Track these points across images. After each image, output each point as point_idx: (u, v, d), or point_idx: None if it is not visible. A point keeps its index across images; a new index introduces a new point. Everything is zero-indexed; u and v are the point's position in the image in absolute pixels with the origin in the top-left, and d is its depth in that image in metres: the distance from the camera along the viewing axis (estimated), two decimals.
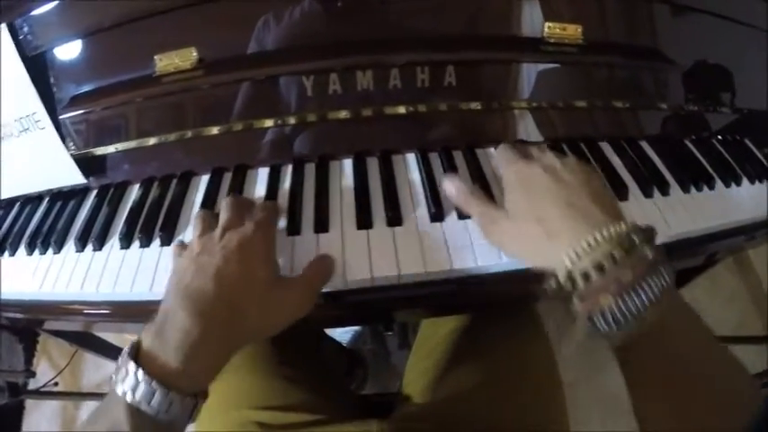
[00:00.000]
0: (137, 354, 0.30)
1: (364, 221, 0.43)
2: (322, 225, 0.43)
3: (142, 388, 0.28)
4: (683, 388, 0.28)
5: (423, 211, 0.44)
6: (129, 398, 0.28)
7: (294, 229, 0.43)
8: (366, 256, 0.41)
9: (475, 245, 0.41)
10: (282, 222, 0.44)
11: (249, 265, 0.32)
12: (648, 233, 0.29)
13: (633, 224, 0.30)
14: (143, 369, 0.28)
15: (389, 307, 0.45)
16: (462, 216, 0.43)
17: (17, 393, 0.73)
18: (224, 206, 0.38)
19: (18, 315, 0.51)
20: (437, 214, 0.43)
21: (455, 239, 0.42)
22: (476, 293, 0.43)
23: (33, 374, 0.75)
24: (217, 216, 0.38)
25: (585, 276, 0.28)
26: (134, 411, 0.28)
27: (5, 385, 0.71)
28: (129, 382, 0.28)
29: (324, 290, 0.39)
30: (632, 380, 0.30)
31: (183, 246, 0.39)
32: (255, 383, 0.52)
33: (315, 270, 0.38)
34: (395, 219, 0.43)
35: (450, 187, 0.40)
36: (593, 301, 0.28)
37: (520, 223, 0.34)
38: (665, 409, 0.28)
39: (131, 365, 0.28)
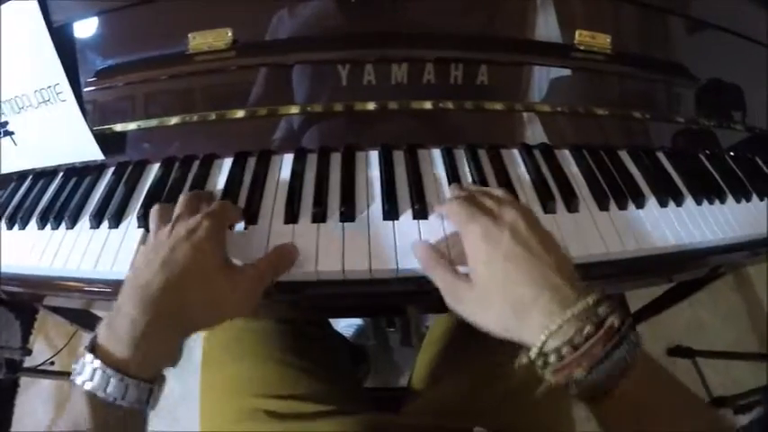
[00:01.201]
0: (93, 347, 0.31)
1: (390, 213, 0.43)
2: (347, 214, 0.43)
3: (98, 375, 0.29)
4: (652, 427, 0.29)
5: None
6: (87, 386, 0.29)
7: (320, 216, 0.43)
8: (392, 248, 0.41)
9: None
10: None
11: (195, 254, 0.33)
12: (614, 302, 0.30)
13: (599, 295, 0.30)
14: (98, 359, 0.30)
15: (409, 300, 0.45)
16: None
17: (13, 370, 0.71)
18: (179, 201, 0.39)
19: (22, 289, 0.50)
20: None
21: None
22: None
23: (29, 352, 0.73)
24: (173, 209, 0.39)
25: (558, 352, 0.29)
26: (93, 399, 0.29)
27: (3, 362, 0.69)
28: (86, 372, 0.30)
29: (350, 277, 0.39)
30: (602, 426, 0.31)
31: None
32: (263, 372, 0.52)
33: (268, 261, 0.38)
34: (421, 212, 0.43)
35: (419, 251, 0.38)
36: (566, 373, 0.29)
37: (488, 301, 0.32)
38: None
39: (88, 357, 0.30)
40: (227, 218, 0.39)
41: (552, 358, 0.29)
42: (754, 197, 0.55)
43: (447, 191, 0.46)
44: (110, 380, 0.29)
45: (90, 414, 0.29)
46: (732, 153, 0.59)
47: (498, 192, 0.39)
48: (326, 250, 0.41)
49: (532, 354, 0.30)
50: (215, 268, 0.34)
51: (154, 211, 0.39)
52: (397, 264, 0.40)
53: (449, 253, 0.39)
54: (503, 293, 0.31)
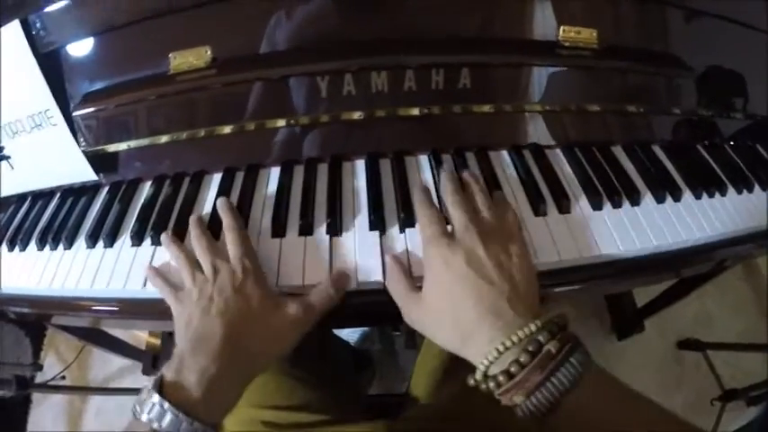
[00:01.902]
0: (161, 388, 0.32)
1: (377, 223, 0.43)
2: (334, 227, 0.43)
3: (168, 417, 0.31)
4: None
5: None
6: (155, 425, 0.31)
7: (306, 229, 0.43)
8: (379, 259, 0.41)
9: None
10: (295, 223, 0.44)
11: (247, 300, 0.35)
12: (559, 326, 0.31)
13: (544, 320, 0.31)
14: (168, 401, 0.31)
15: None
16: None
17: (24, 387, 0.74)
18: (200, 251, 0.40)
19: (26, 310, 0.51)
20: None
21: None
22: None
23: (41, 368, 0.75)
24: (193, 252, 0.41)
25: (495, 379, 0.30)
26: None
27: (13, 378, 0.71)
28: (154, 412, 0.31)
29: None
30: None
31: (175, 288, 0.40)
32: (263, 382, 0.52)
33: (319, 295, 0.38)
34: (408, 221, 0.43)
35: (386, 262, 0.40)
36: (508, 398, 0.30)
37: (438, 321, 0.34)
38: None
39: (156, 397, 0.31)
40: (251, 246, 0.40)
41: (491, 384, 0.30)
42: (756, 187, 0.53)
43: (434, 197, 0.45)
44: (181, 422, 0.31)
45: None
46: (732, 142, 0.58)
47: (486, 199, 0.39)
48: (313, 263, 0.41)
49: (477, 376, 0.31)
50: (269, 309, 0.36)
51: (181, 259, 0.40)
52: (385, 274, 0.40)
53: (409, 266, 0.39)
54: (450, 315, 0.33)
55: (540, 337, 0.30)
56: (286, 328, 0.36)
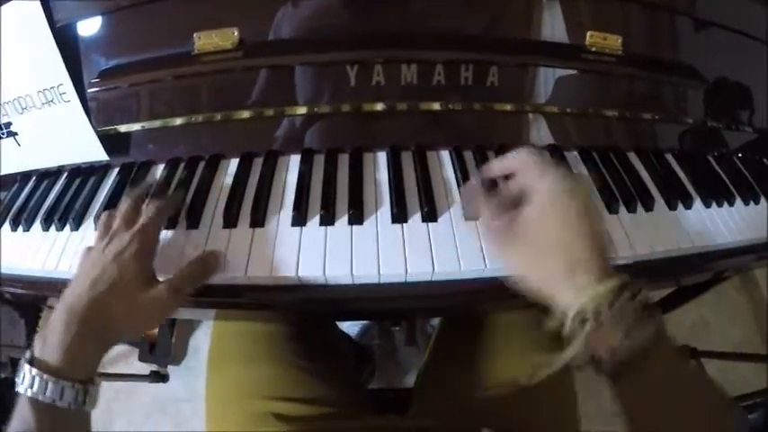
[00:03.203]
0: (32, 359, 0.34)
1: (399, 216, 0.43)
2: (356, 218, 0.43)
3: (37, 382, 0.33)
4: (670, 413, 0.30)
5: (457, 210, 0.44)
6: (29, 393, 0.33)
7: (328, 219, 0.43)
8: (401, 251, 0.41)
9: None
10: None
11: (121, 274, 0.36)
12: (641, 284, 0.32)
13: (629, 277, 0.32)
14: (36, 368, 0.33)
15: (425, 307, 0.45)
16: None
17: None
18: (119, 211, 0.41)
19: (24, 291, 0.49)
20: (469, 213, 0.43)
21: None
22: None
23: None
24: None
25: (597, 314, 0.30)
26: (35, 404, 0.33)
27: (8, 360, 0.69)
28: (27, 381, 0.33)
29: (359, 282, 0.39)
30: (624, 406, 0.32)
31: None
32: (271, 374, 0.51)
33: (185, 273, 0.39)
34: (430, 215, 0.43)
35: (470, 189, 0.40)
36: (600, 339, 0.30)
37: (544, 251, 0.33)
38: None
39: (26, 367, 0.33)
40: (158, 229, 0.41)
41: (590, 319, 0.30)
42: (762, 200, 0.55)
43: (456, 193, 0.46)
44: (47, 384, 0.33)
45: (35, 419, 0.33)
46: (740, 154, 0.59)
47: None
48: (335, 254, 0.41)
49: (571, 313, 0.31)
50: (138, 286, 0.37)
51: (101, 220, 0.41)
52: (407, 268, 0.40)
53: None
54: (563, 246, 0.32)
55: (636, 285, 0.31)
56: (150, 305, 0.37)
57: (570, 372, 0.54)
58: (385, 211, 0.44)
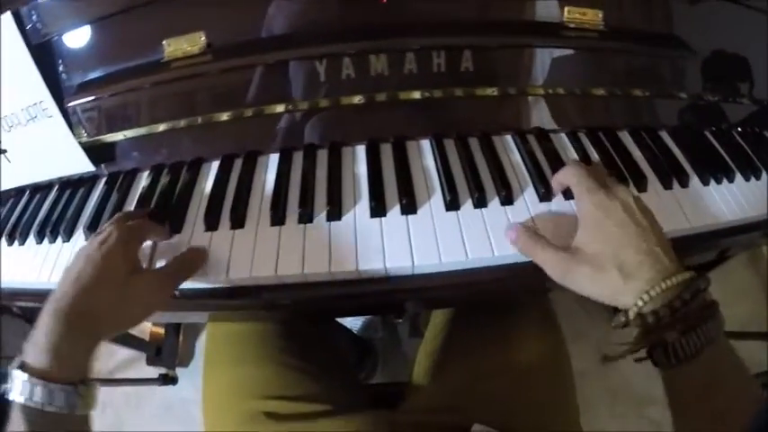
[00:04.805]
0: (21, 364, 0.33)
1: (377, 209, 0.42)
2: (334, 214, 0.43)
3: (27, 387, 0.32)
4: (718, 404, 0.32)
5: (438, 200, 0.43)
6: (19, 399, 0.32)
7: (306, 217, 0.43)
8: (380, 246, 0.40)
9: (491, 235, 0.41)
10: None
11: (104, 263, 0.36)
12: (707, 281, 0.34)
13: (694, 273, 0.34)
14: (25, 372, 0.32)
15: (404, 298, 0.44)
16: (479, 205, 0.42)
17: None
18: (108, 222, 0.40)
19: (30, 304, 0.51)
20: (453, 202, 0.42)
21: (471, 229, 0.41)
22: (490, 285, 0.43)
23: None
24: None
25: (656, 314, 0.32)
26: (25, 410, 0.32)
27: None
28: (17, 388, 0.32)
29: (340, 278, 0.38)
30: (675, 398, 0.34)
31: None
32: (264, 374, 0.52)
33: (175, 266, 0.39)
34: (409, 207, 0.42)
35: (514, 234, 0.40)
36: (659, 336, 0.32)
37: (598, 268, 0.35)
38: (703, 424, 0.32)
39: (16, 372, 0.32)
40: (143, 229, 0.41)
41: (650, 319, 0.33)
42: (764, 174, 0.52)
43: (436, 182, 0.45)
44: (35, 388, 0.31)
45: (25, 425, 0.31)
46: (739, 128, 0.56)
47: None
48: (313, 252, 0.41)
49: (631, 314, 0.34)
50: (124, 275, 0.36)
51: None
52: (385, 262, 0.39)
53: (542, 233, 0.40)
54: (612, 259, 0.34)
55: (698, 284, 0.33)
56: (137, 294, 0.37)
57: (567, 361, 0.53)
58: (363, 206, 0.43)
